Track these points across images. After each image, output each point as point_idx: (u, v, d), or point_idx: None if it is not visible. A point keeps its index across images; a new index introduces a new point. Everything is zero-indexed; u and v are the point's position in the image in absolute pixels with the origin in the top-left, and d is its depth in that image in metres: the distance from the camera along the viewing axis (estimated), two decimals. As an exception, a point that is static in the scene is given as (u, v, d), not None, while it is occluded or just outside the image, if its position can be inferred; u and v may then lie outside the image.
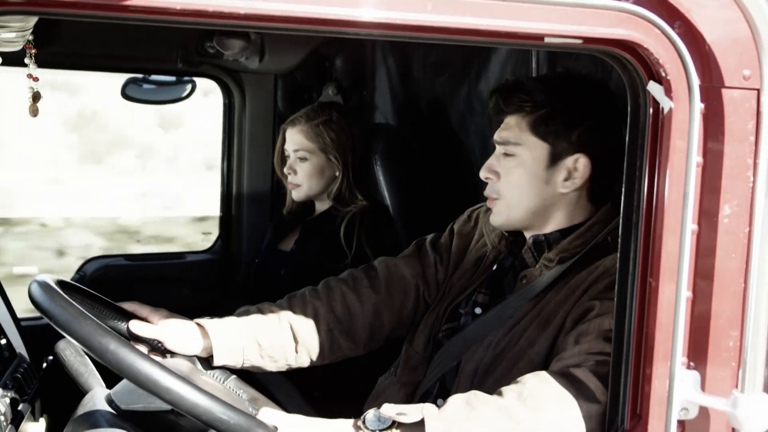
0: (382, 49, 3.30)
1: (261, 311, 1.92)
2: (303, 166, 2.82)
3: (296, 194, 2.86)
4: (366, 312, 1.98)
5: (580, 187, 1.79)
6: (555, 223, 1.82)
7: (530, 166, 1.78)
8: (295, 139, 2.82)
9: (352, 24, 1.16)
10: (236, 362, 1.84)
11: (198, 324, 1.82)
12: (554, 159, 1.76)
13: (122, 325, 1.77)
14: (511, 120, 1.80)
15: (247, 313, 1.91)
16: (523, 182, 1.79)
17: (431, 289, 2.03)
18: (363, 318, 1.98)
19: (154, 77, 3.18)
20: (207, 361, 1.83)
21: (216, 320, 1.84)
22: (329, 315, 1.95)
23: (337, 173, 2.82)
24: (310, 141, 2.80)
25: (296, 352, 1.92)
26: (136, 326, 1.74)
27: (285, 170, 2.85)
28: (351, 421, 1.47)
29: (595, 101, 1.78)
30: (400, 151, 3.00)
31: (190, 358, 1.80)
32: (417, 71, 3.17)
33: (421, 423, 1.42)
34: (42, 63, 1.86)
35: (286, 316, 1.92)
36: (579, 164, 1.75)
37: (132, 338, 1.74)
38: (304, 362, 1.94)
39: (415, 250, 2.09)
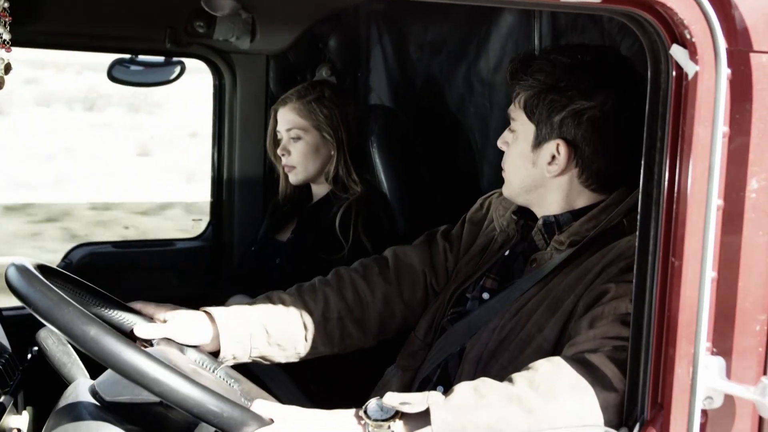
0: (378, 28, 3.21)
1: (269, 299, 1.88)
2: (297, 146, 2.71)
3: (293, 178, 2.76)
4: (377, 301, 1.95)
5: (568, 173, 1.72)
6: (556, 205, 1.76)
7: (521, 144, 1.76)
8: (287, 117, 2.73)
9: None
10: (244, 351, 1.80)
11: (206, 312, 1.78)
12: (538, 141, 1.72)
13: (107, 312, 1.68)
14: (517, 94, 1.77)
15: (254, 301, 1.87)
16: (515, 158, 1.78)
17: (439, 277, 1.99)
18: (374, 307, 1.95)
19: (141, 58, 3.08)
20: (197, 350, 1.76)
21: (222, 308, 1.80)
22: (340, 302, 1.92)
23: (332, 152, 2.73)
24: (303, 119, 2.71)
25: (305, 340, 1.87)
26: (140, 330, 1.70)
27: (279, 151, 2.75)
28: (352, 411, 1.39)
29: (600, 81, 1.70)
30: (397, 134, 2.91)
31: (178, 346, 1.72)
32: (413, 51, 3.08)
33: (425, 413, 1.33)
34: (23, 42, 1.76)
35: (295, 302, 1.88)
36: (560, 150, 1.70)
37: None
38: (313, 351, 1.90)
39: (425, 240, 2.06)
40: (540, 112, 1.70)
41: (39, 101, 12.51)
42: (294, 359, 1.89)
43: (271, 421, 1.35)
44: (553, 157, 1.71)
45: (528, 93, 1.72)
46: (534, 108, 1.71)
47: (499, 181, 2.64)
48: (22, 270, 1.39)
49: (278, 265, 2.75)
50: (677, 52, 1.18)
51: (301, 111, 2.70)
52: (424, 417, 1.34)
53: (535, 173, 1.74)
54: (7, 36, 1.41)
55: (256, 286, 2.69)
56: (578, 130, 1.68)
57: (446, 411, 1.33)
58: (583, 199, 1.74)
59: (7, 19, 1.41)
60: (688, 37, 1.16)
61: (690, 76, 1.17)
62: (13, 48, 1.53)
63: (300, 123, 2.70)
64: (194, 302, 2.20)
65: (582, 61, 1.72)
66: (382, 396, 1.39)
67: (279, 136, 2.77)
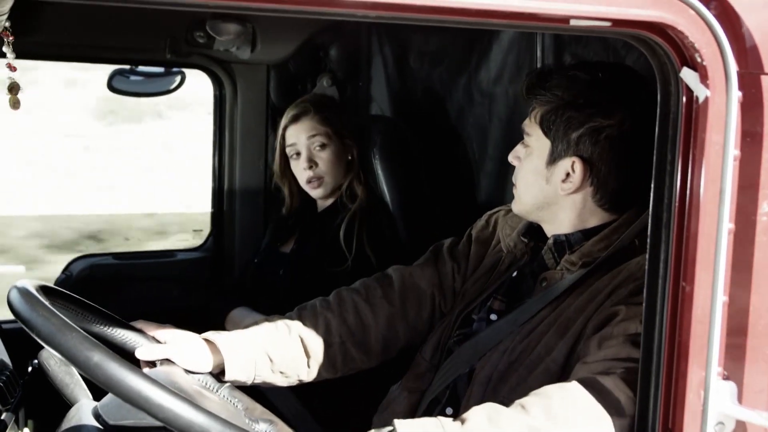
0: (378, 37, 3.20)
1: (270, 323, 1.84)
2: (323, 155, 2.66)
3: (321, 191, 2.70)
4: (379, 324, 1.91)
5: (582, 191, 1.70)
6: (567, 223, 1.73)
7: (535, 160, 1.72)
8: (308, 125, 2.67)
9: (355, 5, 1.05)
10: (247, 377, 1.76)
11: (206, 339, 1.74)
12: (553, 158, 1.69)
13: (109, 332, 1.67)
14: (533, 108, 1.74)
15: (256, 324, 1.83)
16: (528, 174, 1.74)
17: (447, 299, 1.96)
18: (376, 330, 1.91)
19: (141, 68, 3.07)
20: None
21: (225, 334, 1.77)
22: (341, 327, 1.88)
23: (350, 157, 2.71)
24: (325, 126, 2.67)
25: (308, 366, 1.84)
26: (142, 353, 1.67)
27: (305, 164, 2.67)
28: None
29: (619, 100, 1.67)
30: (399, 144, 2.90)
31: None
32: (414, 60, 3.07)
33: None
34: (23, 54, 1.75)
35: (297, 328, 1.84)
36: (576, 168, 1.67)
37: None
38: (316, 376, 1.87)
39: (432, 257, 2.01)
40: (557, 128, 1.67)
41: (171, 105, 12.35)
42: (295, 383, 1.86)
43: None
44: (568, 175, 1.68)
45: (545, 108, 1.69)
46: (551, 124, 1.68)
47: (496, 192, 2.66)
48: (24, 293, 1.37)
49: (281, 276, 2.73)
50: (688, 75, 1.17)
51: (321, 119, 2.67)
52: None
53: (548, 190, 1.71)
54: (11, 55, 1.40)
55: (258, 298, 2.69)
56: (595, 149, 1.66)
57: None
58: (596, 218, 1.72)
59: (9, 39, 1.40)
60: (698, 60, 1.15)
61: (701, 100, 1.16)
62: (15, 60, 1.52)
63: (323, 129, 2.66)
64: (196, 313, 2.20)
65: (602, 78, 1.69)
66: (387, 416, 1.37)
67: (292, 155, 2.71)
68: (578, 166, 1.67)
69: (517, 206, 1.80)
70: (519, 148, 1.78)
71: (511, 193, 1.83)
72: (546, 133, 1.69)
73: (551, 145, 1.69)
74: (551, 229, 1.77)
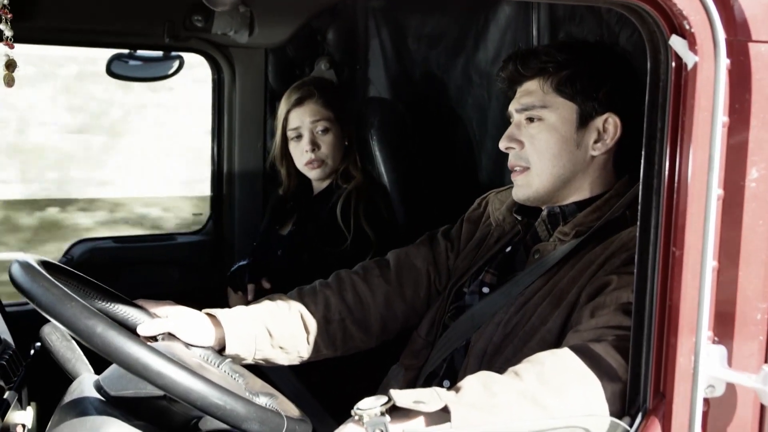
0: (375, 20, 3.21)
1: (270, 301, 1.86)
2: (326, 139, 2.70)
3: (320, 173, 2.73)
4: (377, 302, 1.94)
5: (610, 150, 1.72)
6: (579, 193, 1.75)
7: (560, 129, 1.71)
8: (312, 109, 2.71)
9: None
10: (248, 352, 1.78)
11: (208, 314, 1.77)
12: (584, 120, 1.70)
13: (110, 307, 1.69)
14: (531, 84, 1.73)
15: (256, 303, 1.86)
16: (553, 146, 1.72)
17: (442, 276, 1.98)
18: (375, 308, 1.94)
19: (140, 53, 3.08)
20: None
21: (226, 309, 1.79)
22: (340, 304, 1.91)
23: (346, 142, 2.75)
24: (328, 110, 2.71)
25: (307, 342, 1.86)
26: (144, 329, 1.67)
27: (307, 147, 2.70)
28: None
29: (615, 61, 1.72)
30: (397, 126, 2.91)
31: (183, 341, 1.73)
32: (412, 43, 3.08)
33: (440, 409, 1.32)
34: (21, 38, 1.77)
35: (296, 305, 1.87)
36: (608, 124, 1.69)
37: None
38: (316, 353, 1.89)
39: (426, 239, 2.04)
40: (583, 87, 1.68)
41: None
42: (296, 362, 1.88)
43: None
44: (599, 134, 1.70)
45: (557, 76, 1.70)
46: (574, 85, 1.69)
47: (498, 172, 2.67)
48: (25, 266, 1.39)
49: (279, 256, 2.75)
50: (676, 42, 1.18)
51: (325, 103, 2.71)
52: (439, 413, 1.32)
53: (578, 156, 1.71)
54: (8, 33, 1.41)
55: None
56: (624, 102, 1.68)
57: (465, 409, 1.31)
58: (608, 182, 1.74)
59: (7, 16, 1.41)
60: (687, 27, 1.16)
61: (689, 67, 1.18)
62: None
63: (326, 114, 2.70)
64: (196, 296, 2.21)
65: (591, 46, 1.74)
66: (385, 393, 1.39)
67: (293, 137, 2.73)
68: (612, 121, 1.68)
69: (531, 189, 1.76)
70: (516, 131, 1.76)
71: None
72: (570, 97, 1.69)
73: (579, 108, 1.69)
74: (557, 203, 1.77)
